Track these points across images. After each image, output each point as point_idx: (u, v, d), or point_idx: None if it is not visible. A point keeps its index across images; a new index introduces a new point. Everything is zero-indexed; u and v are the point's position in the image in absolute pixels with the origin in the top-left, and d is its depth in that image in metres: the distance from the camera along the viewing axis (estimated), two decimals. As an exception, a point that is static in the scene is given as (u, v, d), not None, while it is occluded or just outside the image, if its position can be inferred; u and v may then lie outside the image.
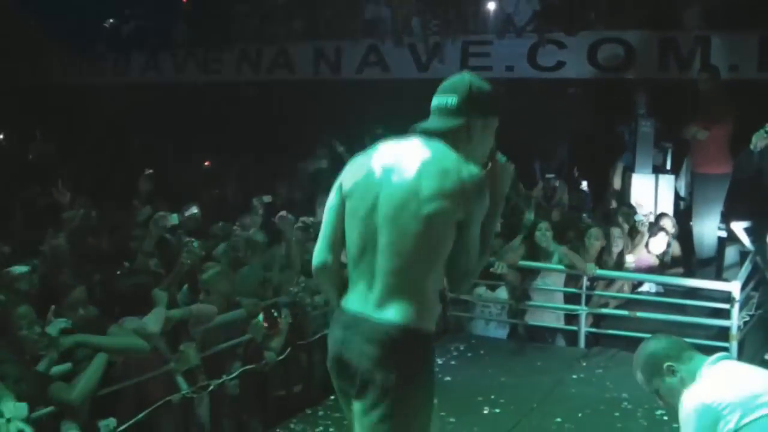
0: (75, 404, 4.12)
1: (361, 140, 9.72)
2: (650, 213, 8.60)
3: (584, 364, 6.59)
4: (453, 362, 6.66)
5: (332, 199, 2.97)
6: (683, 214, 8.88)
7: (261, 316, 5.56)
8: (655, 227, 8.01)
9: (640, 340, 3.33)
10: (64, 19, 11.48)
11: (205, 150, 11.98)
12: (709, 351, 3.21)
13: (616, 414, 5.48)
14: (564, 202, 9.28)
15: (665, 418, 5.08)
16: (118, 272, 5.58)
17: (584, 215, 8.92)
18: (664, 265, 7.95)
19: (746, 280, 7.02)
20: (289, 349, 5.77)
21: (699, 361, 3.12)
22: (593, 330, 7.17)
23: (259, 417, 5.66)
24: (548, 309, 7.36)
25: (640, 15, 9.59)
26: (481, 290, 7.50)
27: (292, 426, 5.42)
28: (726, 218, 7.94)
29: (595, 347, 6.98)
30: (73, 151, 11.78)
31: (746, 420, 2.87)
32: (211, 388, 5.06)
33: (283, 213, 6.89)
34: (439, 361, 6.31)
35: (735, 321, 6.56)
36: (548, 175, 9.90)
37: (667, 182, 9.17)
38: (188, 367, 4.92)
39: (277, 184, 9.68)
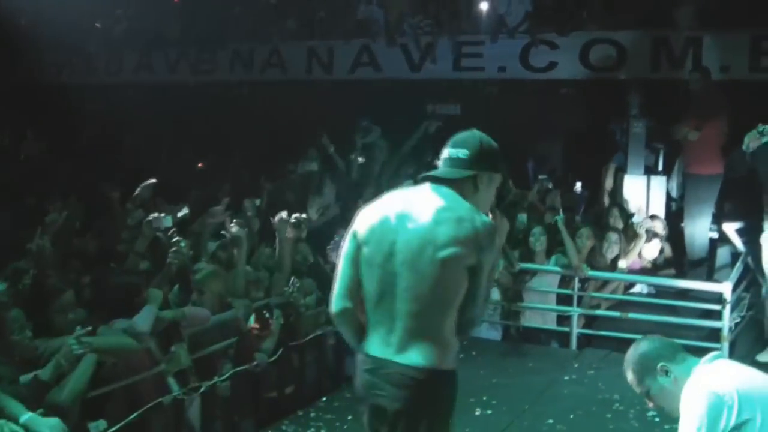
0: (65, 405, 4.09)
1: (352, 141, 9.75)
2: (646, 218, 8.56)
3: (576, 365, 6.60)
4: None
5: (347, 246, 3.08)
6: (675, 215, 8.88)
7: (253, 318, 5.53)
8: (649, 233, 7.95)
9: (631, 341, 3.32)
10: (56, 19, 11.40)
11: (197, 150, 11.93)
12: (700, 352, 3.20)
13: (608, 415, 5.49)
14: (557, 206, 9.25)
15: (657, 419, 5.08)
16: (109, 272, 5.54)
17: (577, 217, 8.90)
18: (656, 267, 7.95)
19: (737, 282, 7.03)
20: (281, 350, 5.76)
21: (692, 362, 3.11)
22: (585, 331, 7.17)
23: (250, 418, 5.65)
24: (538, 310, 7.35)
25: (632, 15, 9.59)
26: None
27: (283, 427, 5.41)
28: (718, 219, 7.95)
29: (587, 348, 6.98)
30: (65, 151, 11.73)
31: (746, 416, 2.87)
32: (203, 389, 5.05)
33: (283, 214, 6.84)
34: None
35: (726, 322, 6.57)
36: (541, 176, 9.89)
37: (658, 183, 9.17)
38: (179, 369, 4.91)
39: (267, 185, 9.62)
